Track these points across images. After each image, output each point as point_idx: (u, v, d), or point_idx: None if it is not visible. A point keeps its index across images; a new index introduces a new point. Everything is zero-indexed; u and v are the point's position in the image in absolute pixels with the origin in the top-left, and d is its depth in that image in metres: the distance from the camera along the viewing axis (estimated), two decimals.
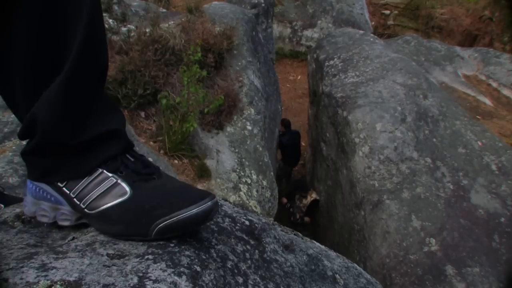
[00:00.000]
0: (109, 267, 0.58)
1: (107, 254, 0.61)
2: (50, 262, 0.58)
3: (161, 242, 0.65)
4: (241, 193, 3.96)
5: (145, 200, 0.65)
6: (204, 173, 3.82)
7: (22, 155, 0.68)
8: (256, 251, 0.77)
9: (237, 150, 4.21)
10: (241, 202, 3.84)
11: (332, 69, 5.40)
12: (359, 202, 4.33)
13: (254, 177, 4.16)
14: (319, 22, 10.52)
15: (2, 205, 1.12)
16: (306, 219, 5.66)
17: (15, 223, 0.74)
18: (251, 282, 0.68)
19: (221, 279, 0.63)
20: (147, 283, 0.55)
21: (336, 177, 4.95)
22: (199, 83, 3.90)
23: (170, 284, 0.56)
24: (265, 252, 0.78)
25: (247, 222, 0.84)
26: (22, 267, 0.56)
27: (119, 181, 0.66)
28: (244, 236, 0.78)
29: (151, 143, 3.81)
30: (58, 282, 0.53)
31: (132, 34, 4.22)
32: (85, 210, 0.67)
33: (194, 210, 0.62)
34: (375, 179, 4.22)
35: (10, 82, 0.63)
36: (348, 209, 4.62)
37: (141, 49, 3.95)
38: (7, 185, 2.30)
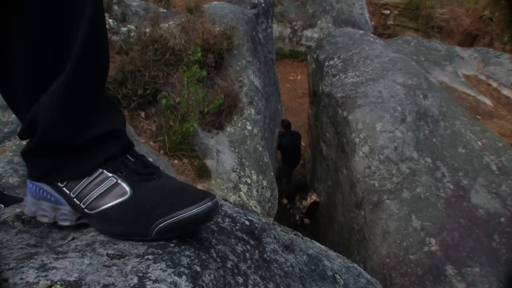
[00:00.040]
0: (109, 267, 0.58)
1: (107, 254, 0.61)
2: (50, 262, 0.58)
3: (161, 242, 0.65)
4: (241, 193, 3.96)
5: (145, 200, 0.65)
6: (204, 173, 3.82)
7: (22, 155, 0.68)
8: (256, 251, 0.77)
9: (237, 150, 4.21)
10: (241, 202, 3.83)
11: (332, 69, 5.40)
12: (359, 202, 4.33)
13: (254, 177, 4.16)
14: (319, 22, 10.51)
15: (2, 205, 1.12)
16: (306, 220, 5.65)
17: (15, 223, 0.74)
18: (251, 282, 0.68)
19: (221, 279, 0.63)
20: (147, 283, 0.55)
21: (336, 177, 4.95)
22: (199, 83, 3.89)
23: (170, 284, 0.56)
24: (265, 252, 0.78)
25: (247, 222, 0.84)
26: (22, 267, 0.56)
27: (119, 181, 0.66)
28: (244, 236, 0.78)
29: (151, 143, 3.81)
30: (58, 282, 0.53)
31: (132, 34, 4.22)
32: (85, 210, 0.67)
33: (194, 210, 0.62)
34: (375, 179, 4.22)
35: (10, 82, 0.63)
36: (348, 209, 4.62)
37: (141, 49, 3.95)
38: (7, 185, 2.30)
